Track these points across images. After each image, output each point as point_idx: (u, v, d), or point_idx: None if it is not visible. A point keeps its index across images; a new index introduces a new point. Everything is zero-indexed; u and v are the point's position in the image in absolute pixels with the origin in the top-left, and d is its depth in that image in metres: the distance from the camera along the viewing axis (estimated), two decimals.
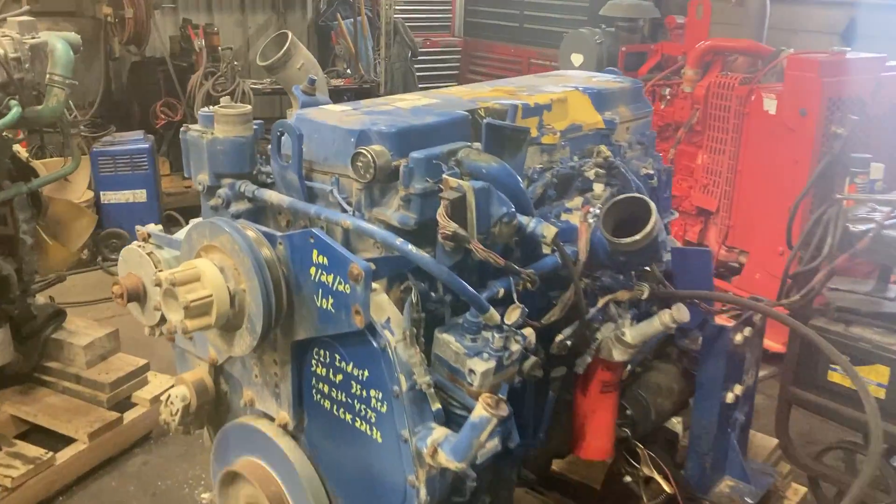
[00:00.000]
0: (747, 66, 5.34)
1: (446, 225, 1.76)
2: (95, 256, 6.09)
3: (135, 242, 2.41)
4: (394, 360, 1.85)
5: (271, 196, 2.06)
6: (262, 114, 6.47)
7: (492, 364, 1.90)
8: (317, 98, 2.36)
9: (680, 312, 2.24)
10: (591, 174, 2.44)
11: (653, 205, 2.13)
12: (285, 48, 2.53)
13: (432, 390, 1.87)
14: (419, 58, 8.23)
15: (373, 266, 1.79)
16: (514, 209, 1.87)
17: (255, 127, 2.11)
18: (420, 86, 8.07)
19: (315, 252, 1.86)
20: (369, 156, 1.87)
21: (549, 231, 1.90)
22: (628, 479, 2.77)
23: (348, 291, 1.81)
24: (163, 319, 2.37)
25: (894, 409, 3.36)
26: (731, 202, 5.00)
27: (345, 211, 1.98)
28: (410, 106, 2.25)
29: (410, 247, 1.80)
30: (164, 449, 3.97)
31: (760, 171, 4.77)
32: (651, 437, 2.91)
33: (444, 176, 1.84)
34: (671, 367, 2.97)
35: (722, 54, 5.27)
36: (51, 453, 3.55)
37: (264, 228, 1.98)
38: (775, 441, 3.58)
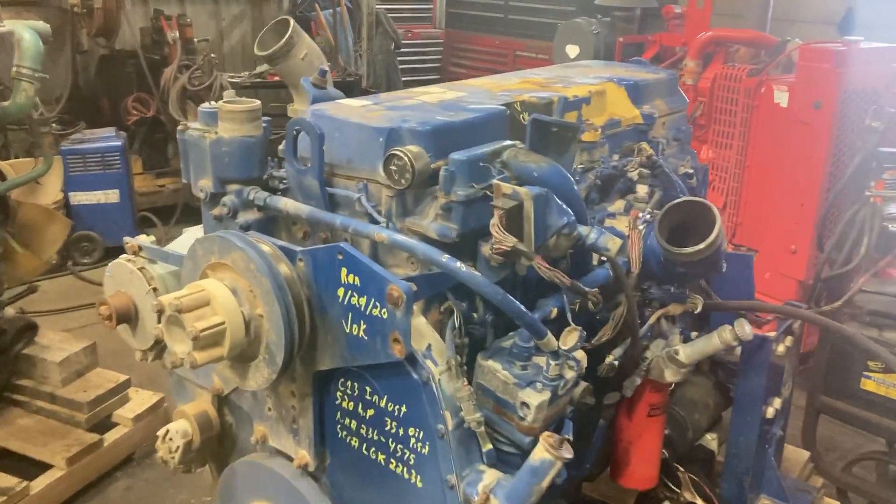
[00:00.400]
0: (749, 57, 5.15)
1: (503, 239, 1.51)
2: (65, 261, 5.74)
3: (123, 256, 2.13)
4: (438, 394, 1.60)
5: (287, 204, 1.79)
6: None
7: (546, 395, 1.66)
8: (329, 91, 2.10)
9: (743, 328, 2.01)
10: (634, 175, 2.21)
11: (716, 209, 1.90)
12: (288, 36, 2.26)
13: (483, 429, 1.63)
14: (400, 50, 7.95)
15: (414, 287, 1.54)
16: (574, 218, 1.63)
17: (263, 125, 1.84)
18: (403, 79, 7.79)
19: (344, 270, 1.60)
20: (406, 158, 1.61)
21: (613, 244, 1.65)
22: None
23: (385, 316, 1.55)
24: (157, 343, 2.10)
25: None
26: (739, 198, 4.80)
27: (374, 221, 1.72)
28: (437, 100, 2.00)
29: (459, 264, 1.54)
30: (148, 472, 3.67)
31: (771, 166, 4.57)
32: (688, 456, 2.70)
33: (494, 181, 1.59)
34: (705, 380, 2.76)
35: (725, 45, 5.07)
36: (25, 482, 3.25)
37: (282, 243, 1.71)
38: (807, 454, 3.39)
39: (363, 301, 1.59)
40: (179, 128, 1.88)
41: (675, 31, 5.54)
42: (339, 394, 1.78)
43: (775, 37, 5.07)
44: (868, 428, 3.47)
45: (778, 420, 2.90)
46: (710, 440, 2.87)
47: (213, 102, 1.87)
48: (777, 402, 2.77)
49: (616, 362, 1.99)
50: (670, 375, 2.11)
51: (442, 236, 1.67)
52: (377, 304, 1.56)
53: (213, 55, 6.15)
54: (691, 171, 2.53)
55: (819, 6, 6.38)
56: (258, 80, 6.25)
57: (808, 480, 3.39)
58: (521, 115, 2.00)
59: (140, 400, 3.83)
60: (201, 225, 2.29)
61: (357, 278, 1.58)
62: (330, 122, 1.78)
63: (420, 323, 1.65)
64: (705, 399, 2.73)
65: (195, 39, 6.47)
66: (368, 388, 1.71)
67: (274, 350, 1.63)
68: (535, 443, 1.71)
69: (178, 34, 6.28)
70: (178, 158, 6.95)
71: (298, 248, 1.68)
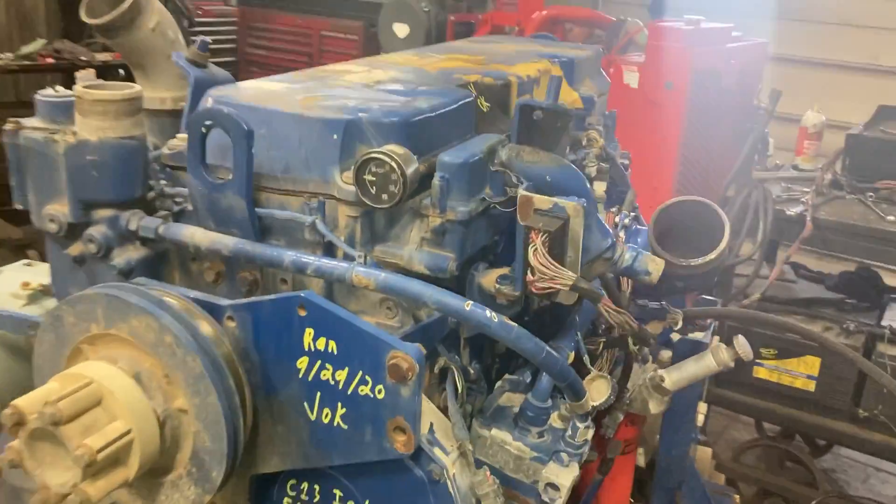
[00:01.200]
0: (583, 36, 5.03)
1: (557, 274, 1.07)
2: None
3: None
4: (454, 493, 1.14)
5: (195, 235, 1.23)
6: None
7: (575, 470, 1.27)
8: (213, 71, 1.53)
9: (744, 347, 1.72)
10: (592, 170, 1.84)
11: (721, 212, 1.59)
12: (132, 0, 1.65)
13: None
14: (194, 29, 7.07)
15: (423, 349, 1.06)
16: (614, 238, 1.22)
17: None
18: None
19: (309, 333, 1.09)
20: (391, 163, 1.11)
21: (654, 266, 1.27)
22: None
23: (381, 396, 1.07)
24: None
25: (826, 401, 3.18)
26: None
27: (330, 252, 1.21)
28: (371, 80, 1.50)
29: (490, 314, 1.08)
30: None
31: (621, 148, 4.44)
32: None
33: (521, 192, 1.14)
34: None
35: (561, 24, 4.89)
36: None
37: (197, 294, 1.15)
38: (709, 451, 3.26)
39: (342, 376, 1.09)
40: (8, 127, 1.23)
41: (505, 9, 5.30)
42: (287, 500, 1.25)
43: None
44: (762, 415, 3.43)
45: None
46: (638, 455, 2.61)
47: (58, 88, 1.25)
48: (703, 408, 2.57)
49: None
50: (655, 406, 1.78)
51: (435, 270, 1.20)
52: (368, 378, 1.07)
53: None
54: (627, 161, 2.22)
55: None
56: (28, 62, 5.20)
57: (710, 478, 3.27)
58: (478, 100, 1.56)
59: None
60: (24, 262, 1.64)
61: (333, 343, 1.08)
62: (249, 113, 1.23)
63: None
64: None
65: None
66: (339, 492, 1.21)
67: (208, 460, 1.08)
68: None
69: None
70: None
71: (226, 302, 1.14)
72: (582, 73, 2.11)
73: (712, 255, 1.53)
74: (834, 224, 2.87)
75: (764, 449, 3.54)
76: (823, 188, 3.04)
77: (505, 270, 1.26)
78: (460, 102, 1.40)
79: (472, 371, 1.30)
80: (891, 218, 2.84)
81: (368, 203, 1.14)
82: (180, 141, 1.29)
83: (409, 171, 1.13)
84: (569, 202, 1.11)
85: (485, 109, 1.57)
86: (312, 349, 1.09)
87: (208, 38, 1.54)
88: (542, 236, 1.08)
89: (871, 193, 3.01)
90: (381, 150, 1.13)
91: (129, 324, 1.06)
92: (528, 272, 1.10)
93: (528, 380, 1.44)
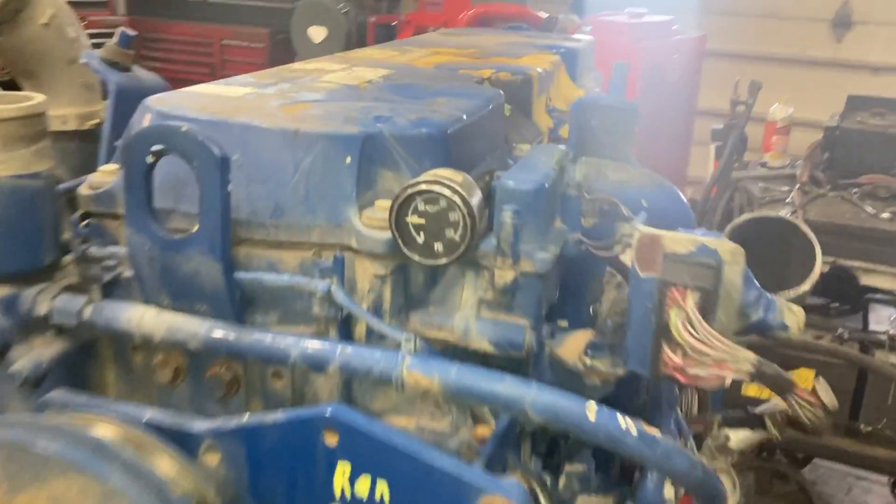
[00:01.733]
0: None
1: (729, 355, 0.71)
2: None
3: None
4: None
5: (144, 320, 0.81)
6: None
7: None
8: (139, 76, 1.12)
9: (827, 394, 1.41)
10: None
11: (810, 232, 1.27)
12: None
13: None
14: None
15: (527, 485, 0.69)
16: (761, 288, 0.88)
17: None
18: None
19: (342, 471, 0.70)
20: (454, 195, 0.73)
21: (794, 317, 0.93)
22: None
23: None
24: None
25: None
26: None
27: (347, 335, 0.82)
28: (359, 80, 1.11)
29: (625, 425, 0.71)
30: None
31: None
32: None
33: (639, 227, 0.78)
34: None
35: (489, 22, 4.58)
36: None
37: (155, 415, 0.74)
38: None
39: None
40: None
41: (428, 9, 4.95)
42: None
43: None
44: None
45: None
46: None
47: None
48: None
49: None
50: (721, 471, 1.46)
51: (505, 346, 0.82)
52: None
53: None
54: None
55: None
56: None
57: None
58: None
59: None
60: None
61: (384, 486, 0.69)
62: (215, 131, 0.82)
63: None
64: None
65: None
66: None
67: None
68: None
69: None
70: None
71: (203, 427, 0.73)
72: (583, 67, 1.78)
73: (806, 287, 1.22)
74: (825, 225, 2.62)
75: (760, 472, 3.30)
76: (805, 187, 2.80)
77: (587, 334, 0.90)
78: (492, 105, 1.03)
79: (548, 481, 0.93)
80: (885, 216, 2.62)
81: (416, 258, 0.76)
82: (106, 175, 0.87)
83: (475, 205, 0.75)
84: (722, 242, 0.75)
85: (507, 113, 1.20)
86: (349, 496, 0.70)
87: (130, 31, 1.12)
88: (692, 295, 0.72)
89: (855, 189, 2.79)
90: (433, 179, 0.74)
91: (48, 487, 0.64)
92: (667, 349, 0.74)
93: (594, 467, 1.09)
